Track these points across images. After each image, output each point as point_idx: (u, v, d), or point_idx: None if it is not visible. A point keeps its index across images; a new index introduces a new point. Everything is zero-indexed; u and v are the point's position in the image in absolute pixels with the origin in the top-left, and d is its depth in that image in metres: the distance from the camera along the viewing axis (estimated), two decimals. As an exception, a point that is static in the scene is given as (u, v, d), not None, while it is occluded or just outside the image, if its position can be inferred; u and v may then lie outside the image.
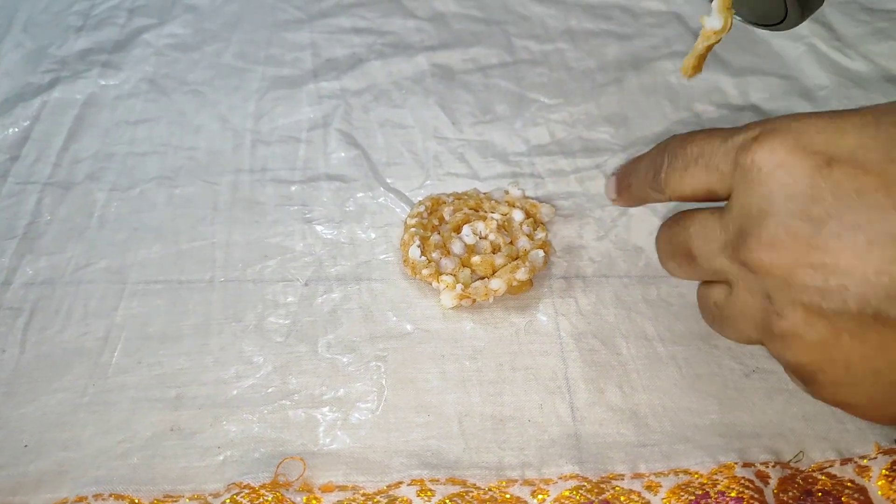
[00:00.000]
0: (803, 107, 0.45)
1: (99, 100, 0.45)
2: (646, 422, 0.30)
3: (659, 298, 0.35)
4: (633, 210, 0.39)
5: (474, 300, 0.34)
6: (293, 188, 0.40)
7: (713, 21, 0.31)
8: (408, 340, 0.33)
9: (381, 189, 0.40)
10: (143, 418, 0.30)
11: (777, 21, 0.32)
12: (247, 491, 0.27)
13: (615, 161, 0.42)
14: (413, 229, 0.36)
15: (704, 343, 0.33)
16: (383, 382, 0.32)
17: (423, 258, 0.35)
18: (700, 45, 0.32)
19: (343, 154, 0.42)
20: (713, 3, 0.31)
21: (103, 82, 0.46)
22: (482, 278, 0.35)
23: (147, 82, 0.46)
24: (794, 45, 0.50)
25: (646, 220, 0.38)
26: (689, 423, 0.31)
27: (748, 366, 0.32)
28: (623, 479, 0.28)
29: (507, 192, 0.39)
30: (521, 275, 0.34)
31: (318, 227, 0.38)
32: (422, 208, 0.38)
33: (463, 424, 0.30)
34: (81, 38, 0.49)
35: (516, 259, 0.35)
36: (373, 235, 0.38)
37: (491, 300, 0.34)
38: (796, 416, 0.31)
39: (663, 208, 0.39)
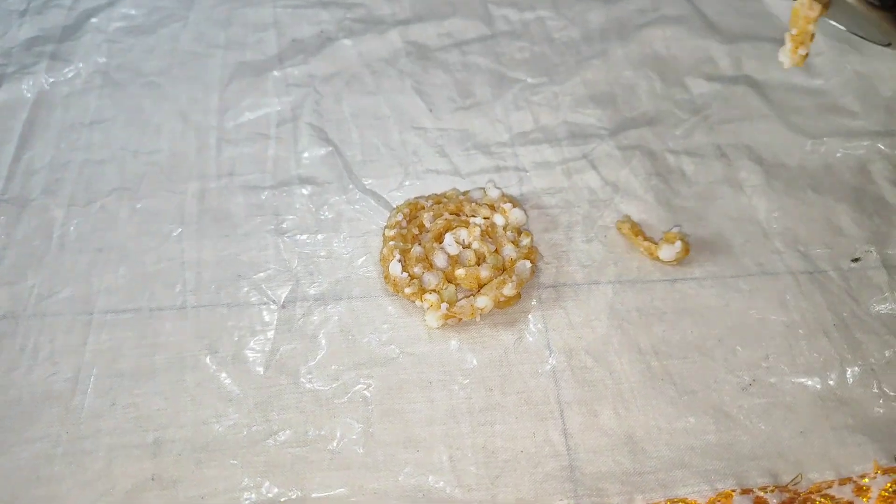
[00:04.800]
0: (798, 78, 0.43)
1: (50, 98, 0.42)
2: (641, 446, 0.30)
3: (652, 306, 0.34)
4: (622, 207, 0.37)
5: (460, 319, 0.32)
6: (264, 195, 0.38)
7: None
8: (393, 367, 0.32)
9: (358, 192, 0.38)
10: (121, 468, 0.29)
11: (885, 43, 0.30)
12: (234, 547, 0.27)
13: (603, 148, 0.40)
14: (392, 242, 0.34)
15: (700, 355, 0.32)
16: (369, 415, 0.30)
17: (405, 275, 0.33)
18: (802, 26, 0.30)
19: (315, 152, 0.39)
20: None
21: (53, 79, 0.43)
22: (468, 295, 0.33)
23: (100, 75, 0.43)
24: (788, 3, 0.47)
25: (639, 220, 0.37)
26: (685, 445, 0.30)
27: (745, 378, 0.32)
28: (620, 514, 0.28)
29: (485, 193, 0.37)
30: (509, 290, 0.33)
31: (293, 239, 0.36)
32: (400, 216, 0.35)
33: (454, 459, 0.29)
34: (25, 25, 0.46)
35: (502, 270, 0.34)
36: (351, 247, 0.36)
37: (478, 319, 0.33)
38: (794, 431, 0.30)
39: (657, 222, 0.37)
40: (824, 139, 0.40)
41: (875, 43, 0.32)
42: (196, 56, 0.44)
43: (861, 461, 0.29)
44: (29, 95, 0.42)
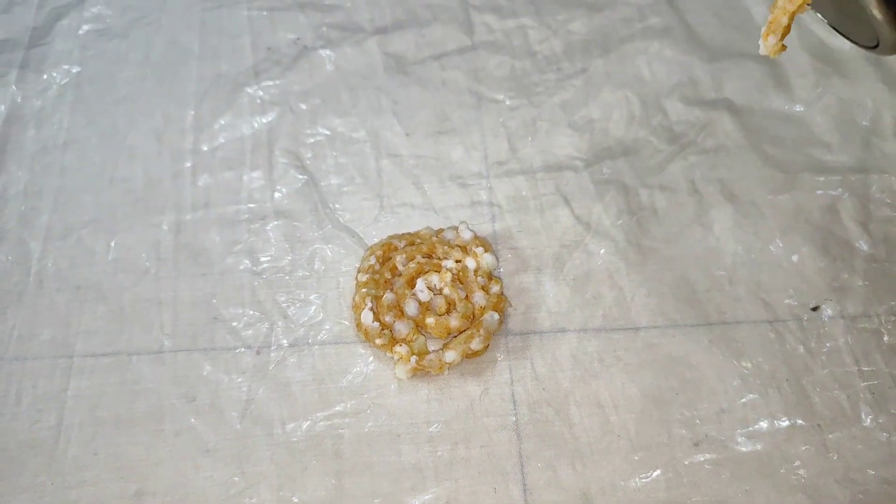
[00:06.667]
0: (777, 102, 0.43)
1: (22, 113, 0.41)
2: (595, 504, 0.32)
3: (615, 357, 0.35)
4: (592, 248, 0.38)
5: (429, 371, 0.34)
6: (239, 231, 0.38)
7: None
8: (363, 418, 0.33)
9: (333, 229, 0.38)
10: (105, 519, 0.31)
11: (870, 45, 0.29)
12: None
13: (577, 181, 0.40)
14: (364, 290, 0.35)
15: (657, 409, 0.34)
16: (340, 468, 0.32)
17: (376, 324, 0.34)
18: (776, 16, 0.28)
19: (290, 182, 0.40)
20: None
21: (24, 92, 0.42)
22: (438, 350, 0.34)
23: (73, 87, 0.43)
24: (775, 15, 0.46)
25: (608, 263, 0.37)
26: (636, 503, 0.32)
27: (697, 433, 0.33)
28: (570, 573, 0.30)
29: (458, 234, 0.37)
30: (476, 345, 0.34)
31: (268, 280, 0.37)
32: (373, 259, 0.36)
33: (418, 516, 0.31)
34: (-7, 27, 0.44)
35: (472, 317, 0.35)
36: (324, 289, 0.36)
37: (446, 373, 0.34)
38: (740, 490, 0.32)
39: (626, 265, 0.38)
40: (797, 174, 0.40)
41: (858, 44, 0.30)
42: (170, 66, 0.44)
43: (799, 522, 0.31)
44: (0, 109, 0.42)
